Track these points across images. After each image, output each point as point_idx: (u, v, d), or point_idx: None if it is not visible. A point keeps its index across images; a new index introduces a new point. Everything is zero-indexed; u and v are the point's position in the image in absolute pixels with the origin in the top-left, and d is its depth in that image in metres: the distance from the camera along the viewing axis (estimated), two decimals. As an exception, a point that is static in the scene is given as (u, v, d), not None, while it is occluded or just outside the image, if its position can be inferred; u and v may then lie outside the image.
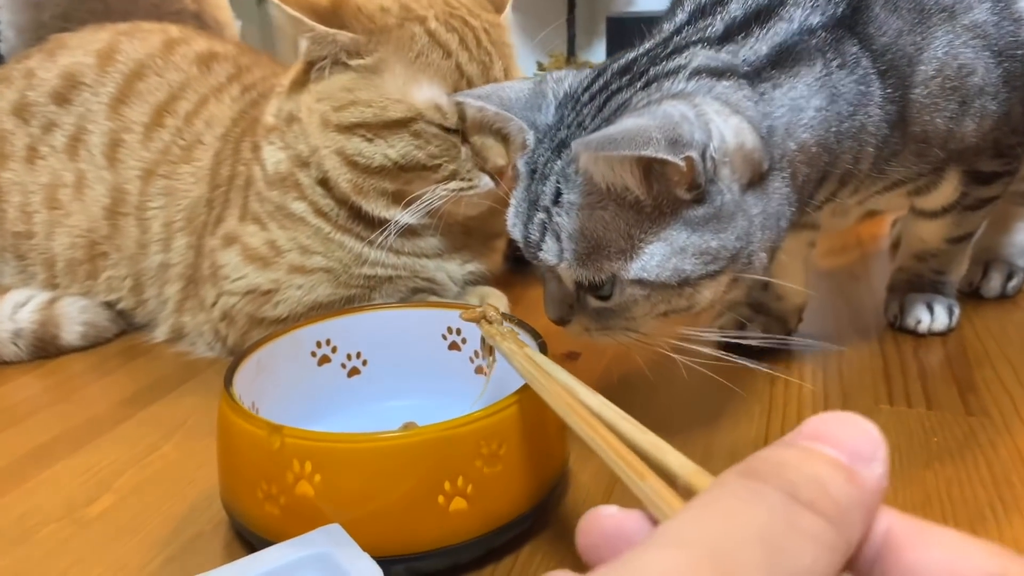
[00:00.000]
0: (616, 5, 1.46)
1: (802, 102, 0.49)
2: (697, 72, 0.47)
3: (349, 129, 0.67)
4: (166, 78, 0.80)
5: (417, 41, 0.66)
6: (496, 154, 0.68)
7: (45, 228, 0.80)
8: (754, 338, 0.69)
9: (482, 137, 0.68)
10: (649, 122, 0.43)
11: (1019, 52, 0.57)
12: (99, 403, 0.68)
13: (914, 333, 0.72)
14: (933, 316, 0.72)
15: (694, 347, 0.52)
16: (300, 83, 0.71)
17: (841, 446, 0.22)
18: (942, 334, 0.72)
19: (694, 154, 0.43)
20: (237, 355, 0.51)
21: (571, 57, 1.42)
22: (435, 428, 0.42)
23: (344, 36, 0.65)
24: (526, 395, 0.45)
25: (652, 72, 0.49)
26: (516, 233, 0.53)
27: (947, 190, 0.64)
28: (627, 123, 0.43)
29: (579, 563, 0.25)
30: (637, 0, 1.46)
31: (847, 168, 0.53)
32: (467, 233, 0.76)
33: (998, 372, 0.65)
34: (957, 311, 0.73)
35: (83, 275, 0.80)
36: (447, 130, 0.66)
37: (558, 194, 0.48)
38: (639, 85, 0.48)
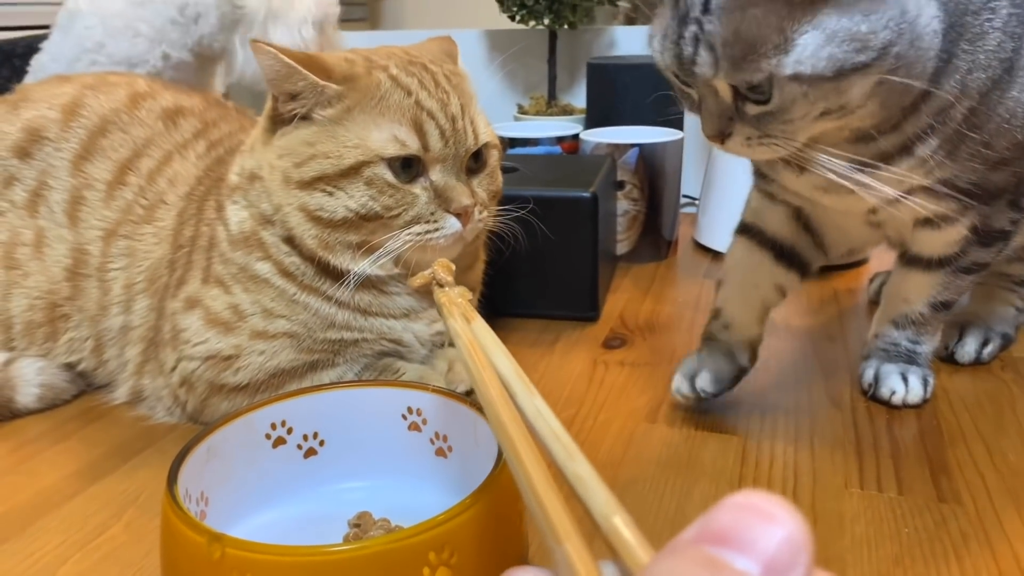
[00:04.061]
0: (596, 50, 1.46)
1: None
2: None
3: (310, 184, 0.65)
4: (130, 134, 0.78)
5: (381, 87, 0.65)
6: (460, 194, 0.67)
7: (1, 289, 0.78)
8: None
9: (445, 176, 0.67)
10: None
11: None
12: (50, 474, 0.66)
13: (888, 404, 0.71)
14: (908, 387, 0.70)
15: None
16: (263, 140, 0.69)
17: (755, 552, 0.18)
18: (916, 406, 0.71)
19: None
20: (185, 445, 0.50)
21: (552, 100, 1.41)
22: (381, 541, 0.41)
23: (332, 87, 0.64)
24: (485, 494, 0.44)
25: None
26: (667, 57, 0.54)
27: (954, 234, 0.64)
28: None
29: None
30: (616, 46, 1.46)
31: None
32: (436, 292, 0.74)
33: (971, 452, 0.64)
34: (932, 381, 0.72)
35: (42, 337, 0.77)
36: (405, 177, 0.65)
37: (707, 1, 0.50)
38: None
